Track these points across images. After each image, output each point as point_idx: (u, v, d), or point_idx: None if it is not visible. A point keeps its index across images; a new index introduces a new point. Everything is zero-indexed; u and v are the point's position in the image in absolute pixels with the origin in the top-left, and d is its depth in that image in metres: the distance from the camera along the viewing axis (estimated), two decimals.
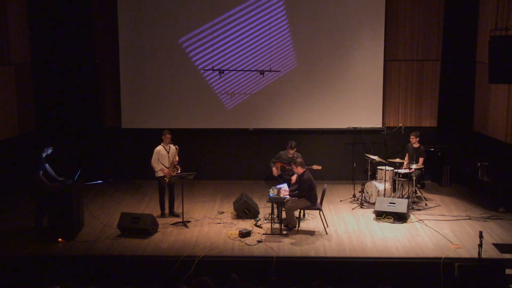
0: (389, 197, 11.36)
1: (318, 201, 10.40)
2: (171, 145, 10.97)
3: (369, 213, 11.19)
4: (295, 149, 11.72)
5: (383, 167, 11.81)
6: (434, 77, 13.20)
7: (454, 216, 10.96)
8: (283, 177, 11.71)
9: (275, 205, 10.36)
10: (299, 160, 10.45)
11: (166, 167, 10.85)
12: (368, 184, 11.83)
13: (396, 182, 11.68)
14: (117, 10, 12.90)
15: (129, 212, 10.71)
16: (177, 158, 10.95)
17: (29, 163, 10.73)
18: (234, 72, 13.01)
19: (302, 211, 10.68)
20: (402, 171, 11.60)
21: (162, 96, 13.20)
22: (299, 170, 10.27)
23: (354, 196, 12.11)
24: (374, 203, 11.20)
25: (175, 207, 11.08)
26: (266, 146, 13.35)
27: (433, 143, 12.94)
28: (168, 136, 10.93)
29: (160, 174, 10.89)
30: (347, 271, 9.16)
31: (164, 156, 10.88)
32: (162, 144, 10.94)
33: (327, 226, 10.28)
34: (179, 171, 10.85)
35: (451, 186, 12.90)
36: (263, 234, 10.08)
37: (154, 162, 10.87)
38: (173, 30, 13.00)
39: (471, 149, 12.42)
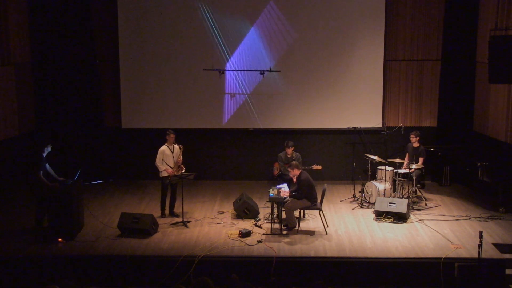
0: (389, 197, 11.36)
1: (318, 201, 10.40)
2: (175, 145, 10.97)
3: (369, 213, 11.19)
4: (292, 148, 11.73)
5: (383, 167, 11.81)
6: (434, 77, 13.19)
7: (454, 216, 10.95)
8: (283, 177, 11.71)
9: (275, 205, 10.36)
10: (294, 162, 10.47)
11: (170, 167, 10.85)
12: (368, 184, 11.83)
13: (396, 182, 11.67)
14: (117, 10, 12.90)
15: (129, 212, 10.69)
16: (181, 158, 10.95)
17: (29, 163, 10.73)
18: (234, 72, 13.01)
19: (302, 211, 10.68)
20: (402, 171, 11.59)
21: (162, 96, 13.20)
22: (296, 172, 10.27)
23: (354, 196, 12.11)
24: (374, 203, 11.20)
25: (175, 207, 11.08)
26: (266, 146, 13.35)
27: (433, 143, 12.94)
28: (172, 136, 10.93)
29: (164, 174, 10.87)
30: (347, 271, 9.15)
31: (168, 156, 10.87)
32: (166, 144, 10.94)
33: (327, 226, 10.29)
34: (183, 171, 10.85)
35: (451, 186, 12.90)
36: (263, 234, 10.08)
37: (158, 162, 10.86)
38: (173, 30, 12.99)
39: (471, 149, 12.41)
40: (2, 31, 11.84)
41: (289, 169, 10.41)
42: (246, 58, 12.97)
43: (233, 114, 13.23)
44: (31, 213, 10.48)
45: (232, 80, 13.08)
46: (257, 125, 13.28)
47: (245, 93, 13.15)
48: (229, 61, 12.98)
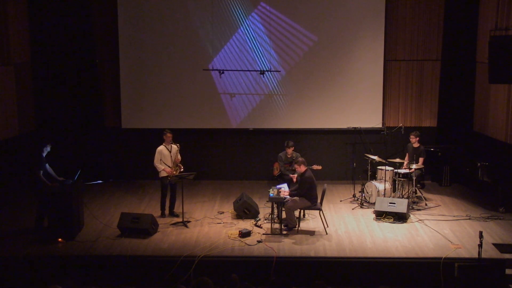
0: (389, 197, 11.36)
1: (318, 201, 10.40)
2: (172, 144, 10.98)
3: (369, 213, 11.19)
4: (292, 148, 11.73)
5: (383, 167, 11.81)
6: (434, 77, 13.19)
7: (454, 216, 10.96)
8: (283, 177, 11.71)
9: (275, 205, 10.36)
10: (300, 159, 10.45)
11: (168, 166, 10.86)
12: (368, 184, 11.83)
13: (396, 182, 11.68)
14: (117, 10, 12.90)
15: (129, 212, 10.71)
16: (179, 157, 10.96)
17: (29, 163, 10.73)
18: (234, 72, 13.01)
19: (302, 211, 10.68)
20: (402, 171, 11.59)
21: (162, 96, 13.19)
22: (302, 168, 10.27)
23: (354, 196, 12.11)
24: (374, 203, 11.20)
25: (175, 207, 11.08)
26: (266, 146, 13.35)
27: (433, 143, 12.95)
28: (169, 135, 10.93)
29: (163, 174, 10.88)
30: (347, 271, 9.16)
31: (166, 156, 10.88)
32: (163, 144, 10.95)
33: (327, 226, 10.29)
34: (182, 170, 10.86)
35: (451, 186, 12.90)
36: (263, 234, 10.08)
37: (156, 162, 10.86)
38: (173, 30, 12.99)
39: (471, 149, 12.41)
40: (2, 31, 11.83)
41: (295, 166, 10.44)
42: (246, 58, 12.97)
43: (233, 114, 13.23)
44: (31, 213, 10.48)
45: (232, 80, 13.08)
46: (257, 125, 13.28)
47: (245, 93, 13.15)
48: (229, 61, 12.97)
